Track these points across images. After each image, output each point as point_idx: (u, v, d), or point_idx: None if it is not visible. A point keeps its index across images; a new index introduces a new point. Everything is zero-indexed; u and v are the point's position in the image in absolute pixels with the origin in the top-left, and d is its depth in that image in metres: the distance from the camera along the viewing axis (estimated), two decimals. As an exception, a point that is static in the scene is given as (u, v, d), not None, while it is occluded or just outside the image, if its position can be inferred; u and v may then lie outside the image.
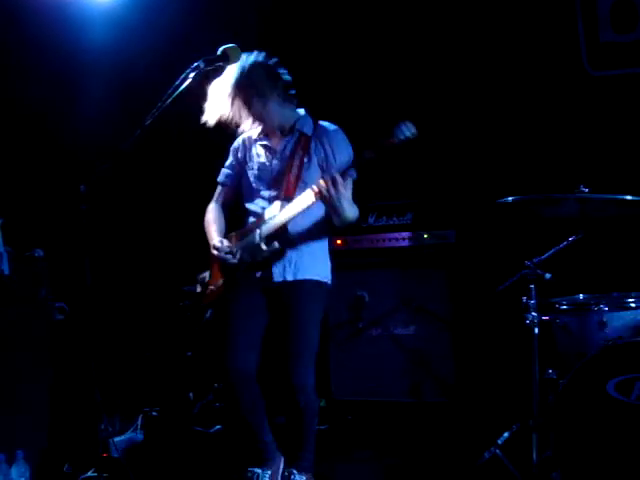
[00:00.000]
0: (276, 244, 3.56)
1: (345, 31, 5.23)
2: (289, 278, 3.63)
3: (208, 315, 3.75)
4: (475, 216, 4.77)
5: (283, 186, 3.63)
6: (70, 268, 4.01)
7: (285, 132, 3.71)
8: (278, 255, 3.59)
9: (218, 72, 3.57)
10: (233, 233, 3.78)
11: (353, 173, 3.50)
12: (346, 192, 3.47)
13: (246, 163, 3.80)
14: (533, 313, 3.66)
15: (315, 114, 3.75)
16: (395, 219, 4.94)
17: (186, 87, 3.29)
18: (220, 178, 3.91)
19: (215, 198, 3.94)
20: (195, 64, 3.35)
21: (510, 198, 3.63)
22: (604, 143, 4.70)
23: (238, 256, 3.64)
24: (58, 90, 5.25)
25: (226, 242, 3.70)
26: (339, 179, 3.37)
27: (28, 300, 3.67)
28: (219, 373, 3.74)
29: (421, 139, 5.06)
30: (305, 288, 3.63)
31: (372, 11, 5.19)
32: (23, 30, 5.14)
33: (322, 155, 3.63)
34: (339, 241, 5.01)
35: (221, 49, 3.46)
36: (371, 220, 4.99)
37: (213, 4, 5.22)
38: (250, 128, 3.75)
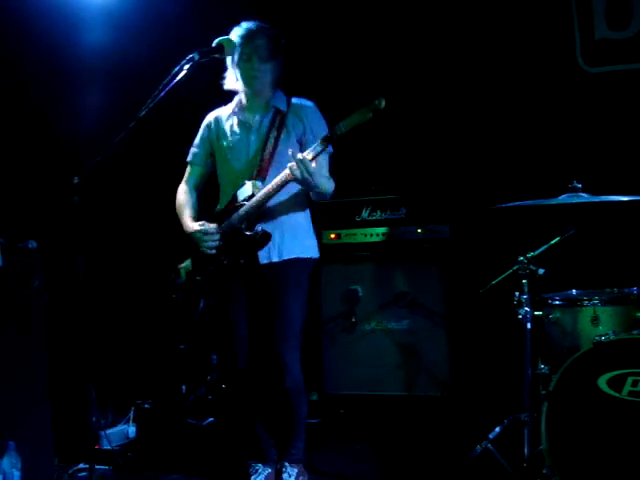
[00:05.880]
0: (259, 228, 3.51)
1: (347, 34, 5.23)
2: (275, 259, 3.59)
3: (202, 306, 3.72)
4: (469, 211, 4.77)
5: (258, 164, 3.59)
6: (62, 260, 4.00)
7: (260, 107, 3.68)
8: (263, 240, 3.52)
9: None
10: (208, 218, 3.67)
11: (330, 149, 3.50)
12: (320, 169, 3.46)
13: (219, 139, 3.75)
14: (526, 308, 3.66)
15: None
16: (389, 213, 4.94)
17: (180, 79, 3.28)
18: (189, 158, 3.87)
19: (185, 179, 3.88)
20: (190, 56, 3.33)
21: (502, 205, 3.66)
22: (599, 139, 4.71)
23: (219, 244, 3.59)
24: (51, 82, 5.23)
25: (208, 226, 3.61)
26: (307, 159, 3.32)
27: (22, 292, 3.65)
28: (230, 376, 3.72)
29: (415, 134, 5.12)
30: (291, 268, 3.60)
31: (371, 12, 5.19)
32: (18, 23, 5.12)
33: (300, 130, 3.62)
34: (332, 235, 5.01)
35: (216, 41, 3.46)
36: (365, 214, 4.99)
37: (211, 2, 5.21)
38: (234, 85, 3.68)
